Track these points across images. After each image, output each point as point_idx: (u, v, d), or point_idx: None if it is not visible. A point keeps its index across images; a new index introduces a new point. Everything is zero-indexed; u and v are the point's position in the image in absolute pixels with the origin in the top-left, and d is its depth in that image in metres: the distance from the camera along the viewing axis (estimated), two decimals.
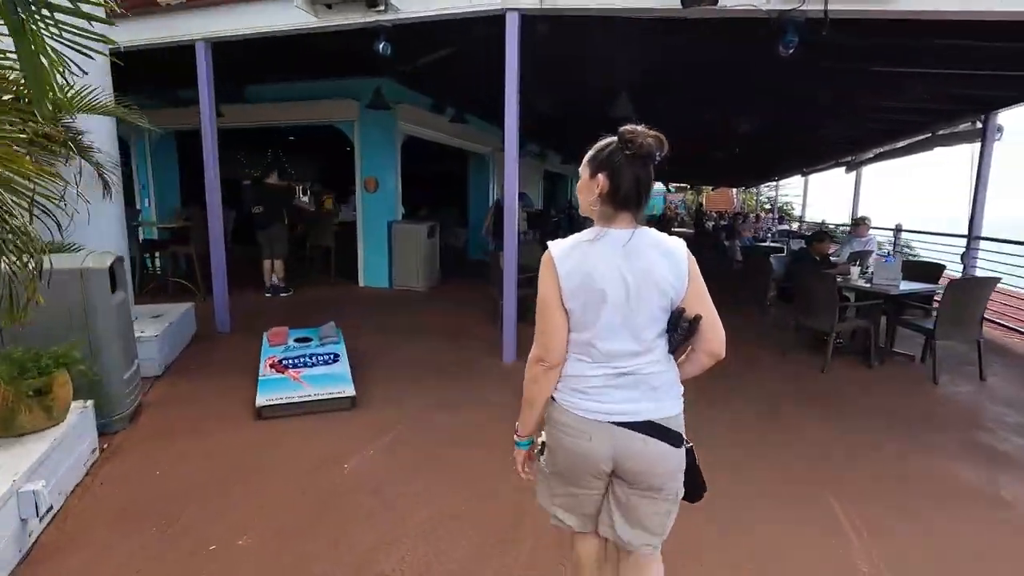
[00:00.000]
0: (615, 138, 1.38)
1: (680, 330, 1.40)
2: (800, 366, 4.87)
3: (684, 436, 1.46)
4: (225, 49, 5.14)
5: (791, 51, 3.84)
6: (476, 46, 5.02)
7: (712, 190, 32.61)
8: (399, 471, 2.88)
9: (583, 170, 1.44)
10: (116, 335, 3.19)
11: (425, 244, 8.04)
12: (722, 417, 3.64)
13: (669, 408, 1.43)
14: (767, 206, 33.76)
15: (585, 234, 1.42)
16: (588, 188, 1.42)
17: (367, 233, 8.28)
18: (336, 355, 4.13)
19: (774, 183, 23.23)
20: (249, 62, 6.99)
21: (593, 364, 1.41)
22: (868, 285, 5.01)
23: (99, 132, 4.00)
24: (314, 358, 4.06)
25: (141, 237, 7.66)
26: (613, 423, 1.40)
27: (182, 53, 5.16)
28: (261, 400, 3.45)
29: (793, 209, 34.63)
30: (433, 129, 9.02)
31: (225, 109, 8.43)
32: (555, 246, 1.44)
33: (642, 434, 1.39)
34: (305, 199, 15.29)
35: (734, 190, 35.28)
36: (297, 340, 4.36)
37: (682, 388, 1.48)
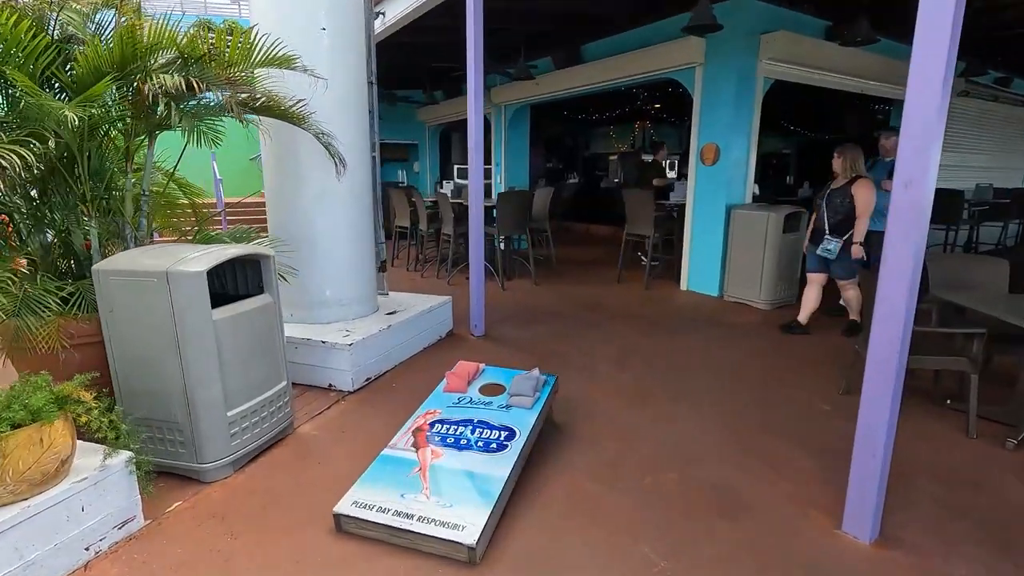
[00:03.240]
0: None
1: None
2: None
3: None
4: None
5: None
6: None
7: None
8: None
9: None
10: (217, 359, 2.41)
11: (778, 241, 5.42)
12: None
13: None
14: None
15: None
16: None
17: (697, 220, 6.17)
18: (512, 433, 2.52)
19: None
20: (585, 16, 6.12)
21: None
22: None
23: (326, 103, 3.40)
24: (479, 431, 2.56)
25: None
26: None
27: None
28: (345, 504, 2.16)
29: None
30: (819, 68, 6.01)
31: (563, 73, 7.59)
32: None
33: None
34: (672, 175, 13.91)
35: None
36: (483, 388, 2.93)
37: None
